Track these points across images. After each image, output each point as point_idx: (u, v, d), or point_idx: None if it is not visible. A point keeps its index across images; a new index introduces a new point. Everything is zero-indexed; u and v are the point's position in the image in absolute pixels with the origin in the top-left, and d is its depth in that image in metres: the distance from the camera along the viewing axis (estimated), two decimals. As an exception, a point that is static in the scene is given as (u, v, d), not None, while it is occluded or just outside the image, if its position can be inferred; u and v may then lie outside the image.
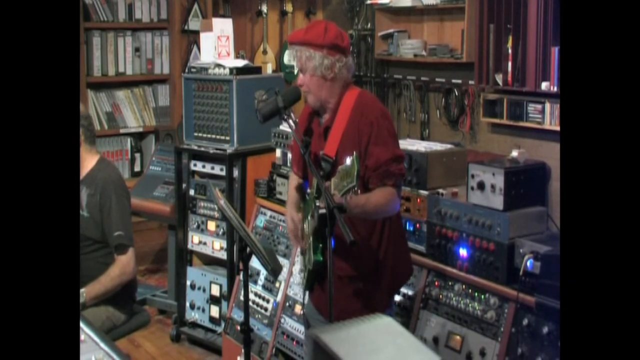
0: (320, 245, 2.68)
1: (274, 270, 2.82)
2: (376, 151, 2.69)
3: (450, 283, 3.26)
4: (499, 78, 4.02)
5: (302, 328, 3.71)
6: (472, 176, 3.17)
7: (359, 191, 2.39)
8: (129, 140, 5.63)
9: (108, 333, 3.32)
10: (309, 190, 2.86)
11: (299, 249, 3.15)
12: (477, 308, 3.11)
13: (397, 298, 3.38)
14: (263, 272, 4.10)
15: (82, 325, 2.47)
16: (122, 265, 3.29)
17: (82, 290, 3.17)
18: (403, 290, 3.35)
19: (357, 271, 2.80)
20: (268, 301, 4.04)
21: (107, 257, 3.33)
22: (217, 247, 4.48)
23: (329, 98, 2.79)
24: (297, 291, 3.87)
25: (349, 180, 2.34)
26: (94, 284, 3.23)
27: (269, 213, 4.26)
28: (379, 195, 2.68)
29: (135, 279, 3.55)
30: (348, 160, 2.36)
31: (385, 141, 2.71)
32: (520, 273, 2.90)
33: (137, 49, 5.53)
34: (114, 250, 3.29)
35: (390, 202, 2.70)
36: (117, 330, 3.43)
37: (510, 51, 3.95)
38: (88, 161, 3.34)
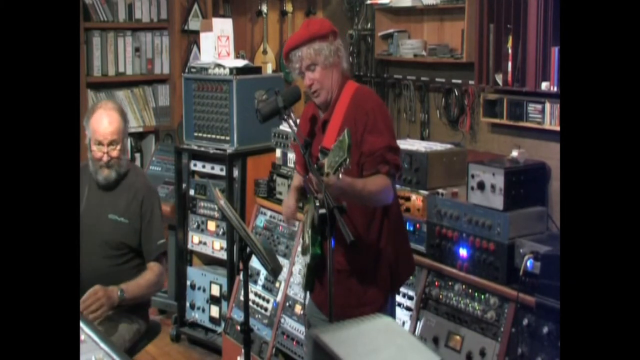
0: (319, 238, 2.68)
1: (274, 270, 2.82)
2: (371, 139, 2.70)
3: (450, 283, 3.26)
4: (499, 78, 4.02)
5: (302, 328, 3.71)
6: (472, 176, 3.17)
7: (350, 164, 2.38)
8: (129, 140, 5.63)
9: (138, 345, 3.27)
10: None
11: (299, 249, 3.15)
12: (477, 308, 3.11)
13: (397, 298, 3.39)
14: (263, 272, 4.10)
15: (82, 325, 2.47)
16: (159, 273, 3.22)
17: (122, 286, 3.06)
18: (403, 290, 3.36)
19: (355, 266, 2.80)
20: (268, 301, 4.04)
21: (139, 266, 3.23)
22: (217, 247, 4.48)
23: (335, 88, 2.81)
24: (297, 291, 3.87)
25: (340, 154, 2.34)
26: (131, 285, 3.11)
27: (269, 213, 4.26)
28: (373, 181, 2.67)
29: None
30: (340, 136, 2.37)
31: (381, 130, 2.72)
32: (520, 273, 2.90)
33: (137, 49, 5.53)
34: (156, 258, 3.22)
35: (383, 190, 2.69)
36: (142, 343, 3.33)
37: (510, 51, 3.94)
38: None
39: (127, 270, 3.20)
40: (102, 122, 3.16)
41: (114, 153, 3.18)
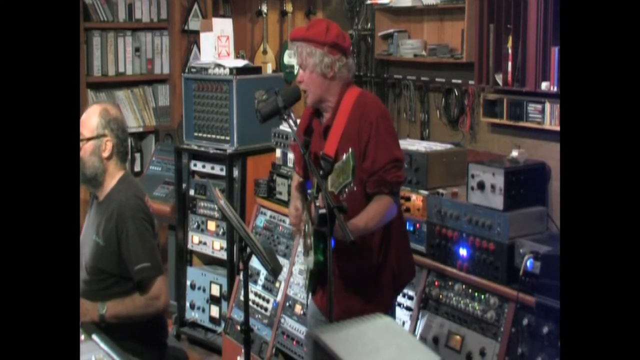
0: (322, 245, 2.69)
1: (274, 270, 2.82)
2: (374, 154, 2.69)
3: (450, 283, 3.26)
4: (499, 78, 4.02)
5: (302, 328, 3.71)
6: (472, 176, 3.17)
7: (354, 187, 2.40)
8: (129, 140, 5.62)
9: None
10: (310, 190, 2.86)
11: (300, 249, 3.14)
12: (477, 308, 3.11)
13: (397, 298, 3.39)
14: (263, 272, 4.10)
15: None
16: (148, 296, 2.80)
17: (104, 303, 2.75)
18: (403, 290, 3.35)
19: (358, 271, 2.80)
20: (268, 301, 4.04)
21: (127, 292, 2.83)
22: (217, 247, 4.48)
23: (328, 97, 2.80)
24: (297, 291, 3.87)
25: (344, 177, 2.36)
26: (117, 303, 2.78)
27: (269, 213, 4.26)
28: (375, 209, 2.69)
29: (164, 320, 3.04)
30: (344, 157, 2.38)
31: (385, 143, 2.71)
32: (520, 273, 2.90)
33: (137, 49, 5.53)
34: (137, 287, 2.80)
35: (387, 212, 2.72)
36: None
37: (510, 51, 3.94)
38: (112, 179, 2.91)
39: (111, 297, 2.80)
40: None
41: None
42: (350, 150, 2.37)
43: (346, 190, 2.39)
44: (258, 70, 4.64)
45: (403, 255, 2.91)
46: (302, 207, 2.87)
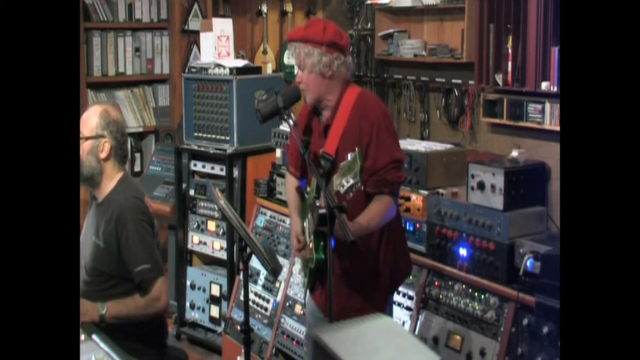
0: (322, 243, 2.69)
1: (274, 270, 2.82)
2: (375, 154, 2.69)
3: (450, 283, 3.26)
4: (499, 78, 4.02)
5: (302, 328, 3.71)
6: (472, 176, 3.17)
7: (362, 187, 2.39)
8: (129, 140, 5.61)
9: None
10: (307, 189, 2.86)
11: None
12: (477, 308, 3.11)
13: (397, 298, 3.39)
14: (263, 272, 4.10)
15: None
16: (149, 297, 2.79)
17: (104, 303, 2.75)
18: (403, 290, 3.36)
19: (358, 270, 2.80)
20: (268, 301, 4.04)
21: (127, 293, 2.82)
22: (217, 247, 4.48)
23: (328, 95, 2.80)
24: (297, 291, 3.87)
25: (352, 176, 2.34)
26: (117, 303, 2.77)
27: (269, 213, 4.26)
28: (377, 209, 2.70)
29: (164, 320, 3.02)
30: (350, 156, 2.37)
31: (386, 143, 2.71)
32: (520, 273, 2.90)
33: (137, 49, 5.53)
34: (137, 288, 2.79)
35: (388, 212, 2.73)
36: None
37: (510, 51, 3.95)
38: (111, 180, 2.89)
39: (111, 298, 2.80)
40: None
41: None
42: (357, 150, 2.36)
43: (353, 190, 2.38)
44: (258, 70, 4.64)
45: (401, 253, 2.91)
46: (303, 227, 2.85)
